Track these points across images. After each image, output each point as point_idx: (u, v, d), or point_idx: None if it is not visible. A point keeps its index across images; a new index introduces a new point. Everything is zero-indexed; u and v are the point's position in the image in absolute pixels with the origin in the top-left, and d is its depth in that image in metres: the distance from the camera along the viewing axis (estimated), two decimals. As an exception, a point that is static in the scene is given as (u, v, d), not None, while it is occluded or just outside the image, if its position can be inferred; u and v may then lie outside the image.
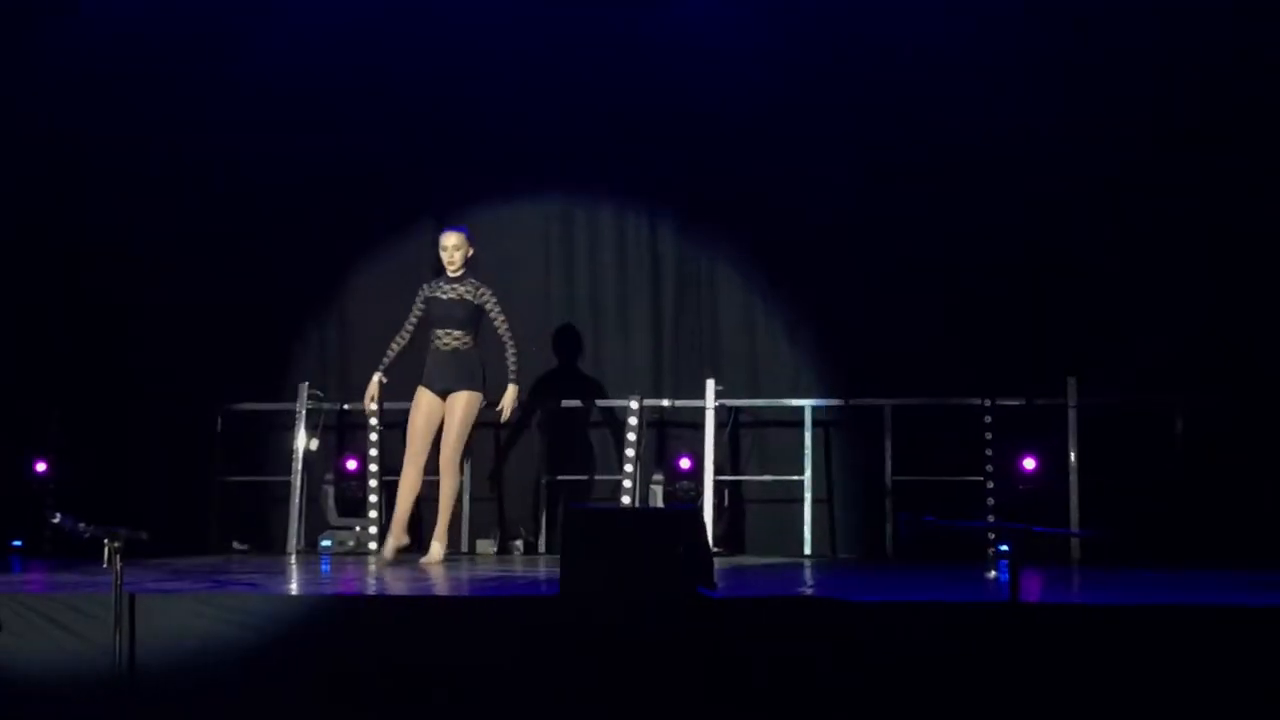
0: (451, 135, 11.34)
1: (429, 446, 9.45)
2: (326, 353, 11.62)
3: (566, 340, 11.18)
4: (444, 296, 9.46)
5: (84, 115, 11.41)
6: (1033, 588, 7.59)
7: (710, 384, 10.65)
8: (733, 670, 6.32)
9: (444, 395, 9.43)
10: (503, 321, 9.47)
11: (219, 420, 11.26)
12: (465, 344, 9.43)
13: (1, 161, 11.26)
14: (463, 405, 9.38)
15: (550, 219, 11.43)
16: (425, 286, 9.59)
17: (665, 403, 11.06)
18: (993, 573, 8.78)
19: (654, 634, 6.40)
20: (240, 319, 11.21)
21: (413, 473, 9.42)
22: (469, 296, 9.43)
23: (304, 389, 10.98)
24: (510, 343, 9.47)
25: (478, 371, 9.46)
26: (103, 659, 6.43)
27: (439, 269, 9.61)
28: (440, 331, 9.44)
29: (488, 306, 9.46)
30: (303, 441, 10.86)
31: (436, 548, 9.39)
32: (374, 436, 10.81)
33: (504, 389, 9.51)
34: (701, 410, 10.65)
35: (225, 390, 11.21)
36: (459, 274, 9.46)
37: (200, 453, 11.24)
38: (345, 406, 11.31)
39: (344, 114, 11.41)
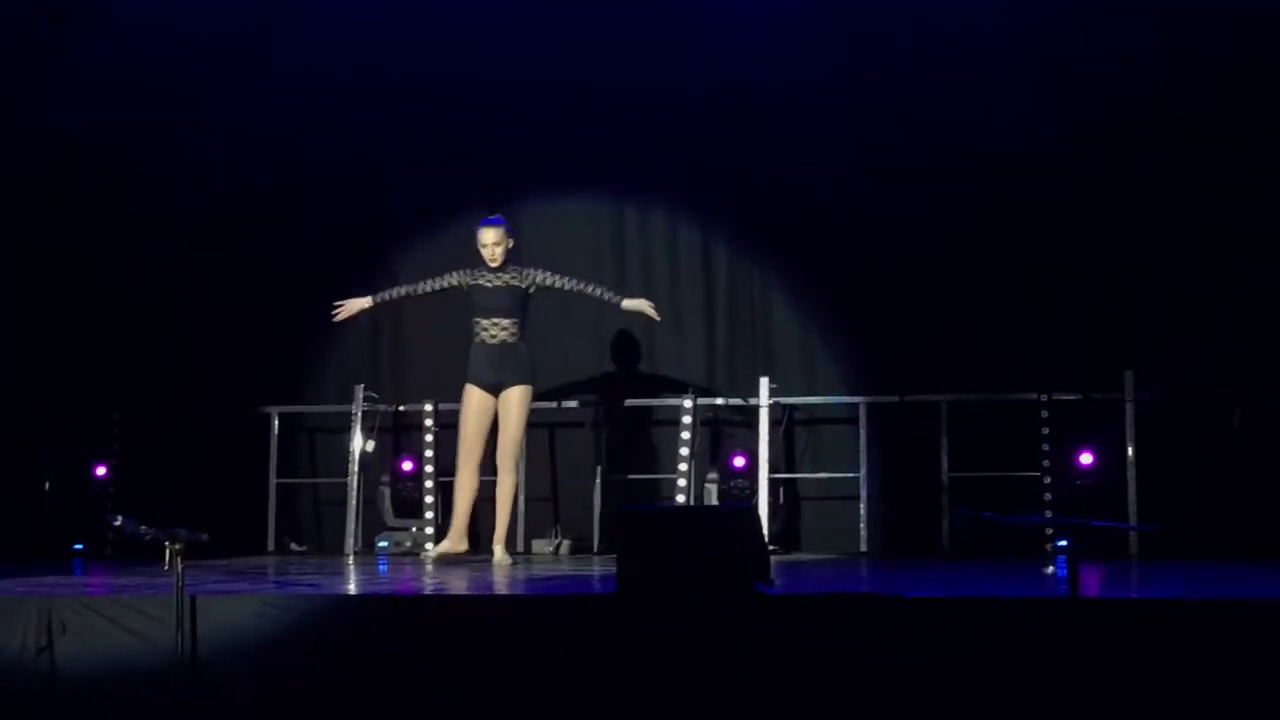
0: (496, 135, 11.36)
1: (483, 445, 9.37)
2: (380, 355, 11.67)
3: (620, 340, 11.19)
4: (488, 285, 9.31)
5: (133, 113, 11.48)
6: (1092, 583, 7.56)
7: (764, 382, 10.65)
8: (790, 667, 6.31)
9: (494, 390, 9.33)
10: (564, 278, 9.32)
11: (275, 423, 11.33)
12: (513, 335, 9.28)
13: (52, 166, 11.33)
14: (517, 401, 9.29)
15: (601, 220, 11.44)
16: (467, 271, 9.42)
17: (719, 401, 11.06)
18: (1050, 568, 8.73)
19: (711, 632, 6.40)
20: (295, 322, 11.26)
21: (468, 476, 9.36)
22: (515, 282, 9.29)
23: (359, 391, 11.05)
24: (580, 281, 9.37)
25: (527, 364, 9.34)
26: (165, 660, 6.48)
27: (479, 262, 9.44)
28: (487, 323, 9.29)
29: (539, 280, 9.28)
30: (359, 443, 10.93)
31: (501, 553, 9.30)
32: (429, 438, 10.86)
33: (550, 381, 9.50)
34: (756, 408, 10.65)
35: (281, 393, 11.28)
36: (499, 266, 9.30)
37: (257, 456, 11.31)
38: (401, 408, 11.37)
39: (396, 116, 11.46)
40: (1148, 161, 10.46)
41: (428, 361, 11.45)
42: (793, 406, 10.95)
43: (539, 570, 9.16)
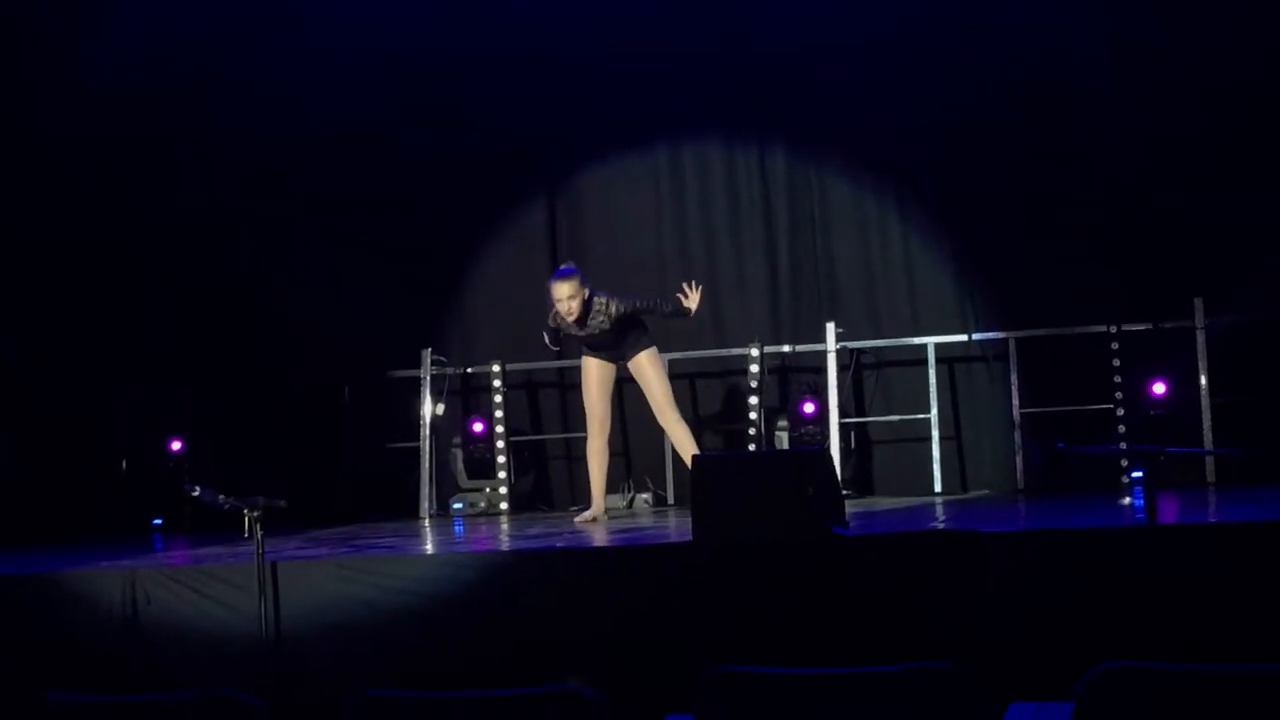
0: (554, 102, 11.37)
1: (609, 410, 9.35)
2: (447, 319, 11.70)
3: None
4: (578, 333, 9.15)
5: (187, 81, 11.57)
6: (1169, 510, 7.52)
7: (830, 327, 10.62)
8: (869, 607, 6.31)
9: (614, 359, 9.26)
10: (621, 303, 9.07)
11: (346, 391, 11.40)
12: (607, 315, 9.07)
13: (131, 139, 11.40)
14: (649, 363, 9.20)
15: (659, 173, 11.42)
16: (554, 316, 9.19)
17: (786, 348, 11.03)
18: (1127, 499, 8.69)
19: (787, 574, 6.41)
20: (363, 290, 11.33)
21: (600, 444, 9.32)
22: (604, 325, 9.07)
23: (427, 355, 11.09)
24: (644, 302, 9.21)
25: (636, 327, 9.21)
26: (249, 626, 6.56)
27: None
28: (589, 349, 9.27)
29: (614, 310, 9.02)
30: (429, 407, 10.98)
31: None
32: (498, 399, 10.91)
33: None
34: (823, 354, 10.62)
35: (352, 361, 11.35)
36: (576, 317, 9.04)
37: (330, 423, 11.38)
38: (469, 369, 11.41)
39: (452, 93, 11.49)
40: (1212, 85, 10.29)
41: (494, 323, 11.49)
42: (860, 350, 10.91)
43: (614, 523, 9.19)
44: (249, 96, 11.51)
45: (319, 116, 11.42)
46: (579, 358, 9.58)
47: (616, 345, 9.20)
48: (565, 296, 8.93)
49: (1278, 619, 5.88)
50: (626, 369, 9.32)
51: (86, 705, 4.45)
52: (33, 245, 11.24)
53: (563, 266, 9.30)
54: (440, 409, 11.06)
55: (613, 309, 9.02)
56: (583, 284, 9.00)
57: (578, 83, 11.37)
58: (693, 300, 9.23)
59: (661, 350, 10.10)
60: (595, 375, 9.26)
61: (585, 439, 9.57)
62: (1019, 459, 10.37)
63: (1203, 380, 9.98)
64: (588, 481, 9.70)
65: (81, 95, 11.30)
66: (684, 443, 9.19)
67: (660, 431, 10.08)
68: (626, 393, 10.74)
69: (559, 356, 10.21)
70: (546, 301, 9.17)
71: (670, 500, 10.73)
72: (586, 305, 9.00)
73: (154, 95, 11.44)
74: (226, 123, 11.60)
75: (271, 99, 11.44)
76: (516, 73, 11.42)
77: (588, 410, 9.39)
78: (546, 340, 9.49)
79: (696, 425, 10.90)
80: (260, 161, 11.51)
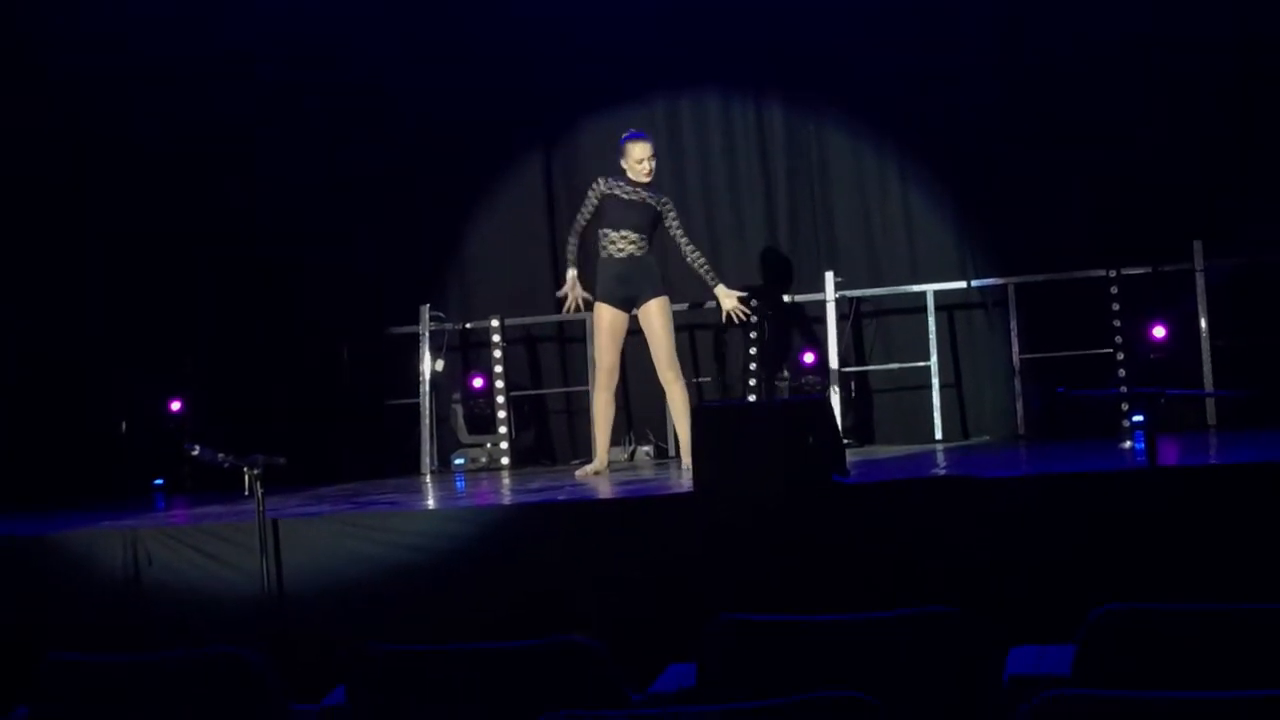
0: (551, 56, 11.31)
1: (619, 362, 9.27)
2: (446, 275, 11.67)
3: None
4: (624, 197, 9.09)
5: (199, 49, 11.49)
6: (1170, 453, 7.51)
7: (829, 276, 10.60)
8: (871, 554, 6.31)
9: (627, 306, 9.17)
10: (681, 228, 9.19)
11: (345, 348, 11.38)
12: (641, 249, 9.09)
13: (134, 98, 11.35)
14: (659, 313, 9.11)
15: (656, 126, 11.35)
16: (601, 181, 9.19)
17: (785, 298, 11.01)
18: (1128, 443, 8.68)
19: (789, 523, 6.41)
20: (361, 247, 11.30)
21: (607, 396, 9.20)
22: (650, 201, 9.11)
23: (425, 311, 11.07)
24: (693, 248, 9.23)
25: (657, 275, 9.17)
26: (251, 584, 6.57)
27: (606, 170, 9.25)
28: (615, 235, 9.08)
29: (668, 212, 9.12)
30: (429, 363, 10.97)
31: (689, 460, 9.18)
32: (498, 354, 10.90)
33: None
34: (822, 303, 10.60)
35: (350, 318, 11.33)
36: (648, 180, 9.13)
37: (330, 380, 11.37)
38: (468, 325, 11.40)
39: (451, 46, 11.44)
40: (1209, 28, 10.24)
41: (492, 279, 11.47)
42: (859, 299, 10.89)
43: (616, 476, 9.19)
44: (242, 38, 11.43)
45: (313, 73, 11.35)
46: (577, 311, 9.56)
47: (635, 278, 9.09)
48: (647, 156, 9.12)
49: (1278, 560, 5.88)
50: (636, 321, 9.25)
51: (88, 665, 4.45)
52: (24, 200, 11.19)
53: (633, 130, 9.37)
54: (440, 365, 11.05)
55: (666, 202, 9.18)
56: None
57: (574, 37, 11.30)
58: (728, 299, 9.32)
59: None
60: (607, 325, 9.18)
61: (587, 392, 9.55)
62: (1019, 405, 10.37)
63: (1203, 323, 9.96)
64: (589, 435, 9.68)
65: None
66: (680, 405, 9.14)
67: (659, 383, 10.07)
68: (628, 346, 10.72)
69: (558, 309, 10.14)
70: (592, 190, 9.20)
71: (671, 453, 10.71)
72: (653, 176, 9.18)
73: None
74: (222, 60, 11.48)
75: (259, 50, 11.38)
76: (513, 28, 11.36)
77: (598, 360, 9.34)
78: (570, 254, 9.41)
79: (696, 376, 10.91)
80: (253, 117, 11.43)
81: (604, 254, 9.16)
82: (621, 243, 9.09)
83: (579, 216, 9.38)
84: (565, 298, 9.49)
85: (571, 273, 9.43)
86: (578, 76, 11.32)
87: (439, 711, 4.15)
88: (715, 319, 11.10)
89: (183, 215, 11.42)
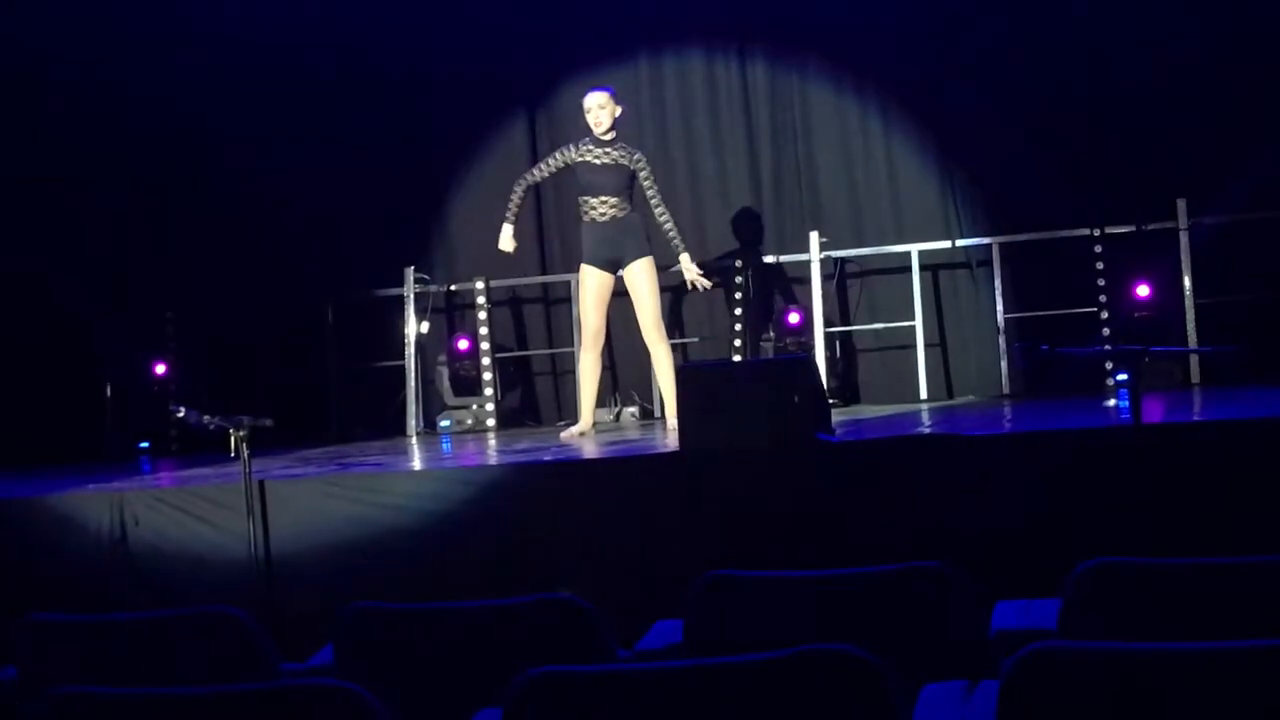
0: (533, 14, 11.29)
1: (604, 324, 9.22)
2: (429, 237, 11.66)
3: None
4: (596, 161, 9.03)
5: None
6: (1154, 410, 7.54)
7: (814, 236, 10.60)
8: (856, 512, 6.33)
9: (612, 268, 9.13)
10: (654, 187, 9.09)
11: (330, 311, 11.38)
12: (623, 210, 9.04)
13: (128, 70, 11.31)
14: (645, 273, 9.04)
15: (640, 84, 11.35)
16: (570, 146, 9.14)
17: (769, 259, 11.01)
18: (1112, 401, 8.70)
19: (775, 482, 6.42)
20: (344, 209, 11.28)
21: (593, 358, 9.17)
22: (623, 160, 9.03)
23: (409, 273, 11.06)
24: (663, 210, 9.13)
25: (642, 234, 9.09)
26: (238, 546, 6.57)
27: (584, 132, 9.16)
28: (595, 201, 9.03)
29: (640, 170, 9.04)
30: (413, 325, 10.96)
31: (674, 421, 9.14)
32: (483, 315, 10.90)
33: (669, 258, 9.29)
34: (807, 264, 10.61)
35: (334, 280, 11.32)
36: (609, 136, 9.04)
37: (314, 343, 11.37)
38: (452, 287, 11.39)
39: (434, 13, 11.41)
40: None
41: (476, 240, 11.44)
42: (844, 260, 10.89)
43: (602, 437, 9.20)
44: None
45: (301, 35, 11.30)
46: (563, 273, 9.55)
47: (619, 240, 9.05)
48: (597, 106, 9.01)
49: (1261, 514, 5.91)
50: (622, 283, 9.23)
51: (70, 625, 4.45)
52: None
53: (602, 86, 9.32)
54: (425, 327, 11.06)
55: (639, 158, 9.07)
56: (614, 102, 9.06)
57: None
58: (689, 269, 9.23)
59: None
60: (593, 287, 9.14)
61: (572, 354, 9.55)
62: (1004, 364, 10.39)
63: (1186, 281, 9.98)
64: (574, 397, 9.69)
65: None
66: (665, 367, 9.11)
67: (643, 343, 10.08)
68: (613, 307, 10.73)
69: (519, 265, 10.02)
70: (561, 152, 9.18)
71: (657, 414, 10.73)
72: (613, 128, 9.05)
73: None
74: (197, 31, 11.43)
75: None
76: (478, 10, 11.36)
77: (584, 322, 9.30)
78: (511, 207, 9.27)
79: (680, 336, 10.92)
80: (240, 81, 11.39)
81: (586, 219, 9.12)
82: (602, 207, 9.05)
83: (535, 170, 9.37)
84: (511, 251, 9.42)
85: (507, 229, 9.30)
86: (561, 35, 11.30)
87: (427, 669, 4.16)
88: (708, 279, 11.13)
89: (165, 174, 11.41)
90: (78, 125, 11.36)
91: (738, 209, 11.19)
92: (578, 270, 9.39)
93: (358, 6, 11.39)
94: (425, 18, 11.40)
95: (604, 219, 9.05)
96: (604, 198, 9.04)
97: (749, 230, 11.12)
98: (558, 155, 9.20)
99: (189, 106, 11.29)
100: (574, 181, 9.24)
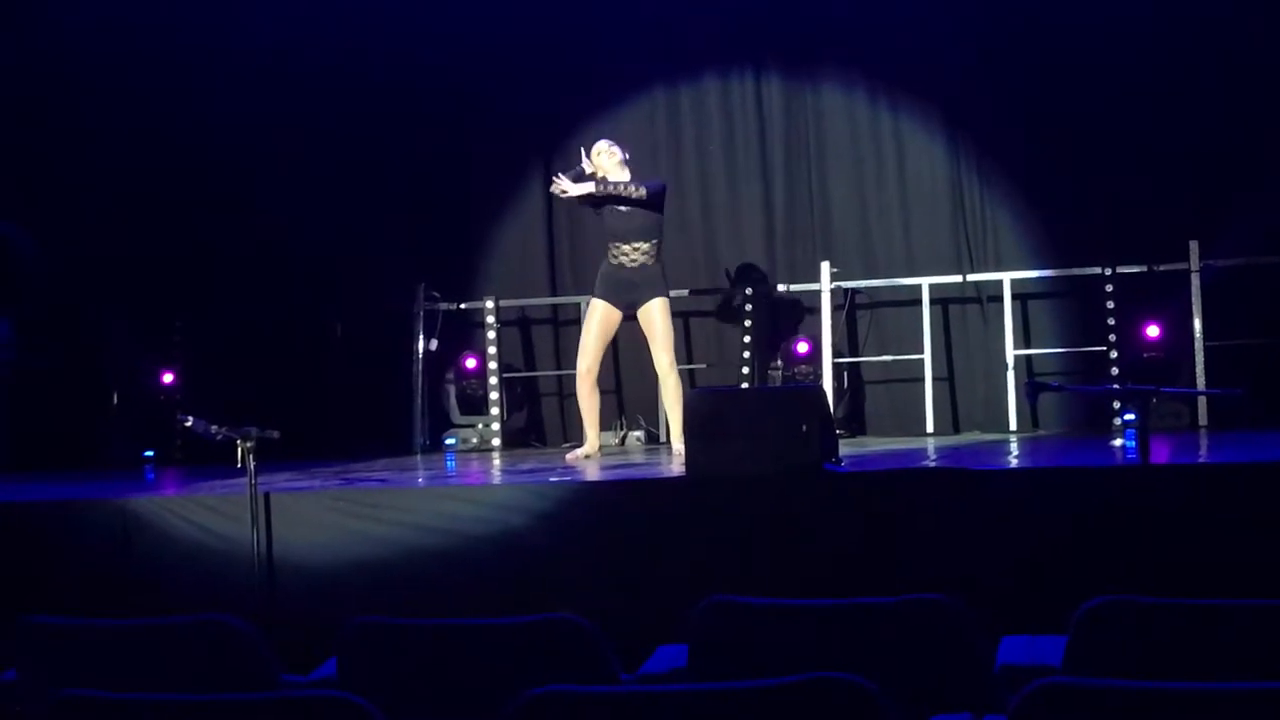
0: (549, 36, 11.31)
1: (600, 356, 9.25)
2: (441, 254, 11.64)
3: (678, 230, 11.15)
4: (622, 208, 9.02)
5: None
6: (1162, 451, 7.53)
7: (825, 266, 10.59)
8: (862, 542, 6.33)
9: (627, 309, 9.13)
10: (640, 189, 8.95)
11: (339, 325, 11.37)
12: (651, 257, 9.00)
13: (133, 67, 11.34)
14: (660, 313, 9.03)
15: (655, 112, 11.36)
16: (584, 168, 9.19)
17: (780, 287, 11.02)
18: (1119, 440, 8.70)
19: (780, 509, 6.42)
20: (356, 225, 11.28)
21: (589, 386, 9.19)
22: (637, 196, 8.95)
23: (420, 290, 11.07)
24: (633, 186, 8.99)
25: (661, 280, 9.08)
26: (242, 556, 6.56)
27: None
28: (627, 248, 8.99)
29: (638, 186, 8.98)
30: (422, 342, 10.97)
31: (680, 446, 8.86)
32: (491, 334, 10.90)
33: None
34: (817, 293, 10.61)
35: (345, 295, 11.32)
36: (626, 177, 9.03)
37: (323, 357, 11.36)
38: (462, 305, 11.38)
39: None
40: (1208, 27, 10.24)
41: (487, 259, 11.47)
42: (854, 290, 10.89)
43: (608, 460, 9.19)
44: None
45: (313, 53, 11.31)
46: (573, 294, 9.55)
47: (639, 286, 9.03)
48: (601, 151, 9.14)
49: (1265, 557, 5.90)
50: (631, 315, 9.22)
51: (67, 628, 4.45)
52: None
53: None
54: (433, 344, 11.05)
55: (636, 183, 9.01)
56: (623, 162, 9.12)
57: (576, 17, 11.29)
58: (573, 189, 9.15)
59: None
60: (599, 319, 9.14)
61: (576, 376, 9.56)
62: (1011, 400, 10.38)
63: (1197, 323, 9.97)
64: (580, 419, 9.69)
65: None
66: (674, 395, 9.10)
67: (653, 369, 10.09)
68: (621, 331, 10.74)
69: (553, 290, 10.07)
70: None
71: (663, 438, 10.72)
72: (625, 165, 9.14)
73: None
74: (208, 52, 11.46)
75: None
76: (516, 8, 11.35)
77: (582, 350, 9.27)
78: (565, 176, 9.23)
79: (689, 362, 10.92)
80: (254, 96, 11.40)
81: (614, 261, 9.06)
82: (634, 254, 9.02)
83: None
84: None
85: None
86: (578, 59, 11.30)
87: (429, 686, 4.15)
88: (711, 307, 11.16)
89: (180, 187, 11.42)
90: (104, 138, 11.36)
91: (750, 238, 11.19)
92: (588, 296, 9.37)
93: (373, 24, 11.37)
94: (440, 37, 11.39)
95: (632, 265, 9.01)
96: (635, 244, 9.00)
97: (760, 259, 11.12)
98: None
99: (214, 122, 11.30)
100: (602, 226, 9.20)
